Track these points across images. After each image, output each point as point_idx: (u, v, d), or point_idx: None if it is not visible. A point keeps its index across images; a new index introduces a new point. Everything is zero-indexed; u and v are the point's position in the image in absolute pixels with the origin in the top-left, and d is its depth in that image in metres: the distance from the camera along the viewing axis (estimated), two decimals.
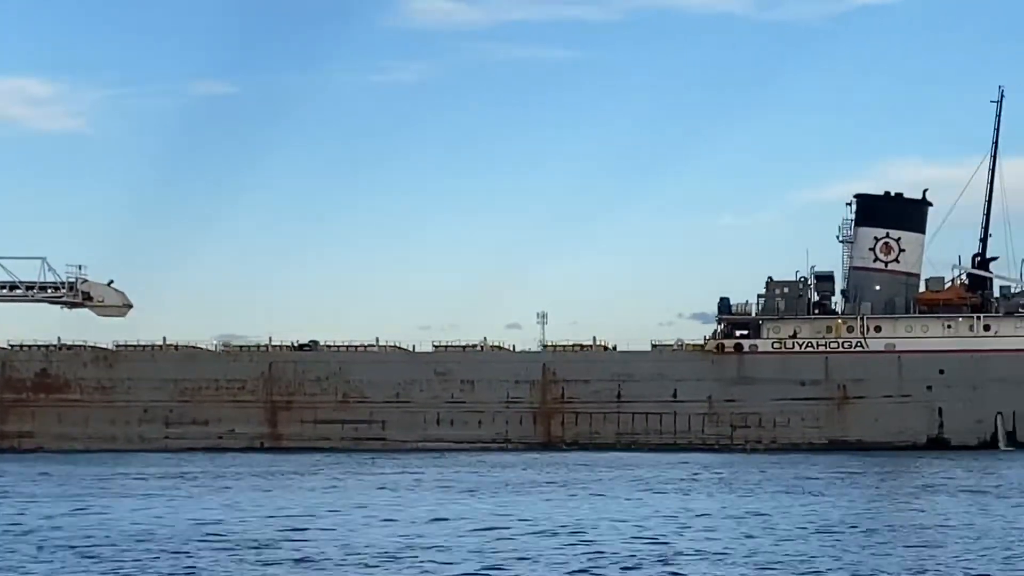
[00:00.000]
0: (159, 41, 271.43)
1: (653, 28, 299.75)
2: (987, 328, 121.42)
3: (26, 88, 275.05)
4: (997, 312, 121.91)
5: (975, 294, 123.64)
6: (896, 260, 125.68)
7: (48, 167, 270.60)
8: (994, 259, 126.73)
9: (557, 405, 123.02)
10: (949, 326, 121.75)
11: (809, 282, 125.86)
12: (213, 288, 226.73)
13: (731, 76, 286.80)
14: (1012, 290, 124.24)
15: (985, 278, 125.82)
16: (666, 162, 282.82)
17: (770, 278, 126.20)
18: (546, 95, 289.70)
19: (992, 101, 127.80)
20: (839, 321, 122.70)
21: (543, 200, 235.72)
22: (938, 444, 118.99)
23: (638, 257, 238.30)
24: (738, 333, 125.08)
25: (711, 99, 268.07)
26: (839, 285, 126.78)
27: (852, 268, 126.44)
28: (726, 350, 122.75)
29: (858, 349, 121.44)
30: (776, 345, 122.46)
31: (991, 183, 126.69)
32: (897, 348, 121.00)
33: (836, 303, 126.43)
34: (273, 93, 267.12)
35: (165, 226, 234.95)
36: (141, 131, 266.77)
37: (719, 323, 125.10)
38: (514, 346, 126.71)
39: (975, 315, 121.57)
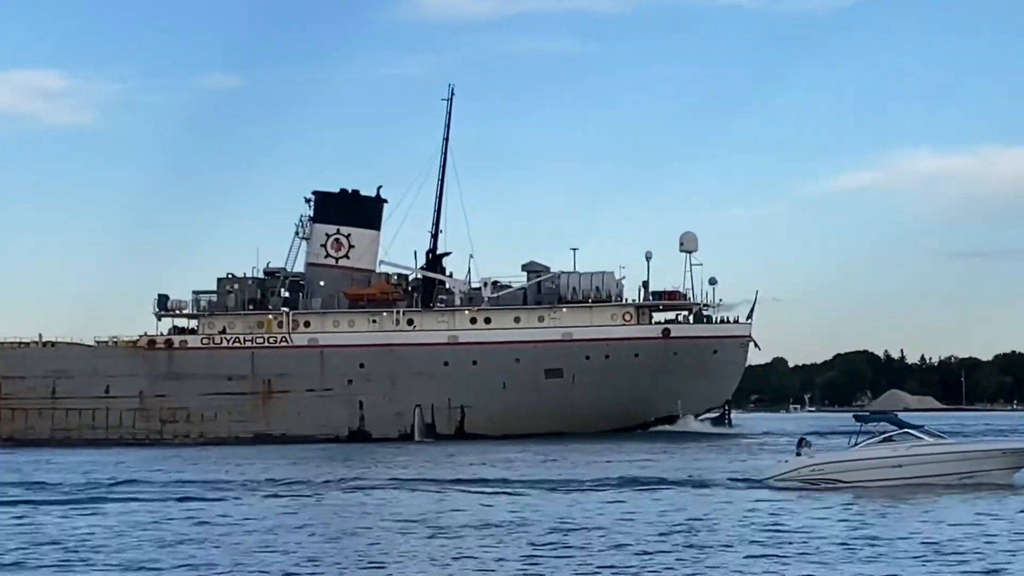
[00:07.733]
0: (170, 36, 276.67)
1: (663, 20, 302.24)
2: (410, 323, 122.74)
3: (41, 80, 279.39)
4: (417, 307, 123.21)
5: (397, 289, 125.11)
6: (347, 256, 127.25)
7: (59, 161, 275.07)
8: (447, 254, 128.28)
9: None
10: (374, 321, 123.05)
11: (263, 279, 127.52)
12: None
13: (741, 67, 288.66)
14: (459, 288, 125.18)
15: (439, 271, 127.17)
16: (675, 154, 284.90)
17: (230, 274, 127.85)
18: (556, 87, 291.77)
19: (443, 99, 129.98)
20: (270, 317, 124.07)
21: (549, 194, 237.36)
22: (360, 437, 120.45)
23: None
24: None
25: (720, 91, 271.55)
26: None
27: (308, 264, 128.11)
28: (156, 346, 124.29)
29: (283, 344, 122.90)
30: (206, 341, 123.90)
31: (442, 180, 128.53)
32: (320, 343, 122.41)
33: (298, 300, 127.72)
34: (282, 87, 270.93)
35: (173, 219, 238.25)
36: (150, 125, 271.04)
37: (158, 319, 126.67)
38: None
39: (398, 310, 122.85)
